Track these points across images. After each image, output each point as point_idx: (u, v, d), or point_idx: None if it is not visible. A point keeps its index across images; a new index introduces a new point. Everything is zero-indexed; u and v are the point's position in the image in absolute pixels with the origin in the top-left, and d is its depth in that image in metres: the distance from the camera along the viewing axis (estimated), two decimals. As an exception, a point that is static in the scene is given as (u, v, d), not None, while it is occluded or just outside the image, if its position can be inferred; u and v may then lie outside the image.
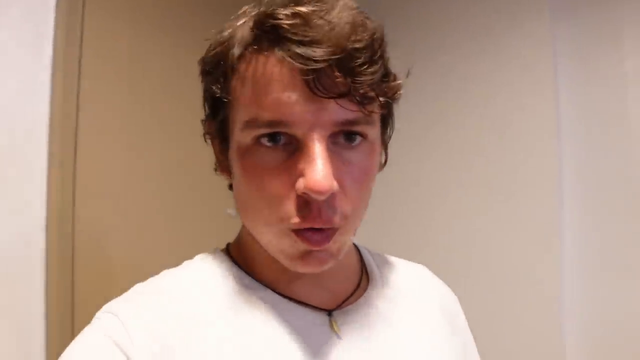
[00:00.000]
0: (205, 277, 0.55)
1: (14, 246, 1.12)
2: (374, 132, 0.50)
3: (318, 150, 0.44)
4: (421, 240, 1.75)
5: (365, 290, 0.60)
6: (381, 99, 0.47)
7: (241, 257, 0.58)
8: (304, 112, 0.45)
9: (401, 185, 1.79)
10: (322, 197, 0.44)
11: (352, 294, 0.58)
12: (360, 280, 0.61)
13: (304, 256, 0.49)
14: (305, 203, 0.46)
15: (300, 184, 0.45)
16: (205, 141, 0.56)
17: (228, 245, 0.61)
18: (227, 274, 0.56)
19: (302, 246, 0.48)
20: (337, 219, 0.47)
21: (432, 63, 1.74)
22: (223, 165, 0.55)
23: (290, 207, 0.46)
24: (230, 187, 0.58)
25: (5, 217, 1.10)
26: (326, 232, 0.47)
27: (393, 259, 0.69)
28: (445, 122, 1.73)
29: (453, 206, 1.70)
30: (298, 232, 0.47)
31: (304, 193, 0.45)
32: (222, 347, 0.49)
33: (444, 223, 1.71)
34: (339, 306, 0.56)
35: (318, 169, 0.44)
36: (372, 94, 0.46)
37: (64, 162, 1.21)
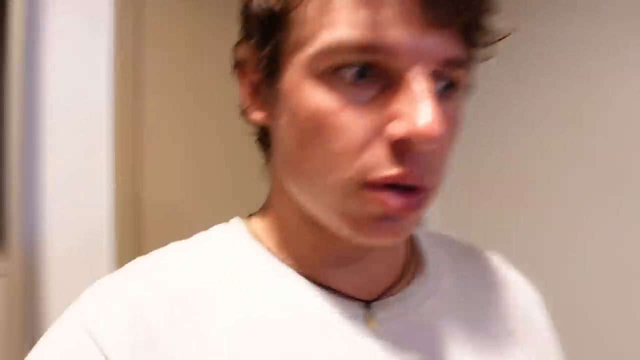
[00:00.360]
0: (217, 252, 0.47)
1: (81, 234, 1.12)
2: (466, 83, 0.41)
3: (425, 89, 0.36)
4: (516, 234, 1.55)
5: (413, 277, 0.50)
6: (490, 41, 0.40)
7: (265, 229, 0.49)
8: (410, 40, 0.36)
9: (497, 170, 1.62)
10: (430, 146, 0.36)
11: (397, 282, 0.49)
12: (409, 266, 0.52)
13: (378, 222, 0.39)
14: (397, 152, 0.37)
15: (400, 127, 0.36)
16: (232, 72, 0.46)
17: (252, 216, 0.52)
18: (244, 250, 0.47)
19: (378, 209, 0.38)
20: (433, 179, 0.39)
21: (529, 26, 1.52)
22: (260, 106, 0.45)
23: (377, 155, 0.37)
24: (260, 136, 0.49)
25: (72, 205, 1.11)
26: (417, 195, 0.39)
27: (458, 242, 0.59)
28: (549, 95, 1.52)
29: (559, 197, 1.52)
30: (379, 190, 0.38)
31: (400, 140, 0.36)
32: (228, 340, 0.41)
33: (545, 215, 1.53)
34: (380, 296, 0.47)
35: (428, 111, 0.35)
36: (487, 32, 0.39)
37: (130, 146, 1.21)
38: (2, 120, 0.67)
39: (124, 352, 0.38)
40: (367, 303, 0.46)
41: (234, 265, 0.46)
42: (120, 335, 0.39)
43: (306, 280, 0.46)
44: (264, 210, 0.50)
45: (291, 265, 0.46)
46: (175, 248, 0.48)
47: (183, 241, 0.49)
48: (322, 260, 0.46)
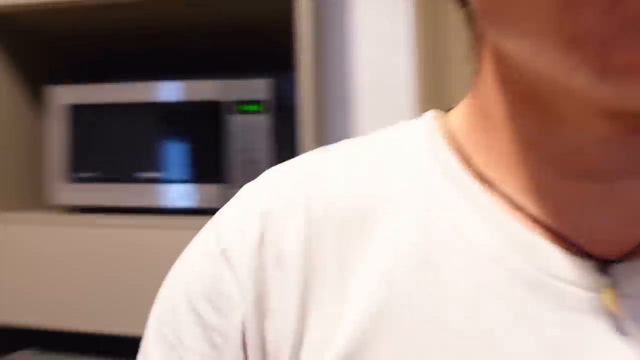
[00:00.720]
0: (390, 157, 0.33)
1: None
2: None
3: None
4: None
5: None
6: None
7: (463, 126, 0.33)
8: None
9: None
10: None
11: None
12: None
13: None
14: None
15: None
16: None
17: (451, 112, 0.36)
18: (425, 157, 0.32)
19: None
20: None
21: None
22: None
23: None
24: None
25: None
26: None
27: None
28: None
29: None
30: None
31: None
32: (380, 279, 0.29)
33: None
34: (629, 254, 0.27)
35: None
36: None
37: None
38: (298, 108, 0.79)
39: (250, 271, 0.31)
40: (605, 263, 0.27)
41: (408, 177, 0.32)
42: (250, 252, 0.32)
43: (505, 209, 0.29)
44: (466, 99, 0.35)
45: (492, 178, 0.30)
46: (341, 147, 0.36)
47: (357, 138, 0.37)
48: (540, 169, 0.29)
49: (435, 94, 1.21)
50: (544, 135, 0.29)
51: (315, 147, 0.39)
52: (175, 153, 0.90)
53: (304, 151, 0.83)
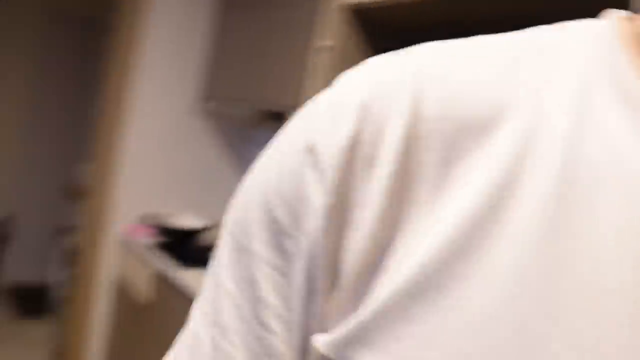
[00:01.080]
0: (547, 57, 0.26)
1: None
2: None
3: None
4: None
5: None
6: None
7: None
8: None
9: None
10: None
11: None
12: None
13: None
14: None
15: None
16: None
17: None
18: (597, 62, 0.25)
19: None
20: None
21: None
22: None
23: None
24: None
25: None
26: None
27: None
28: None
29: None
30: None
31: None
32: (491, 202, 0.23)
33: None
34: None
35: None
36: None
37: None
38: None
39: (337, 174, 0.26)
40: None
41: (562, 85, 0.25)
42: (341, 150, 0.26)
43: None
44: None
45: None
46: (484, 39, 0.29)
47: (513, 32, 0.29)
48: None
49: None
50: None
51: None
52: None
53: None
